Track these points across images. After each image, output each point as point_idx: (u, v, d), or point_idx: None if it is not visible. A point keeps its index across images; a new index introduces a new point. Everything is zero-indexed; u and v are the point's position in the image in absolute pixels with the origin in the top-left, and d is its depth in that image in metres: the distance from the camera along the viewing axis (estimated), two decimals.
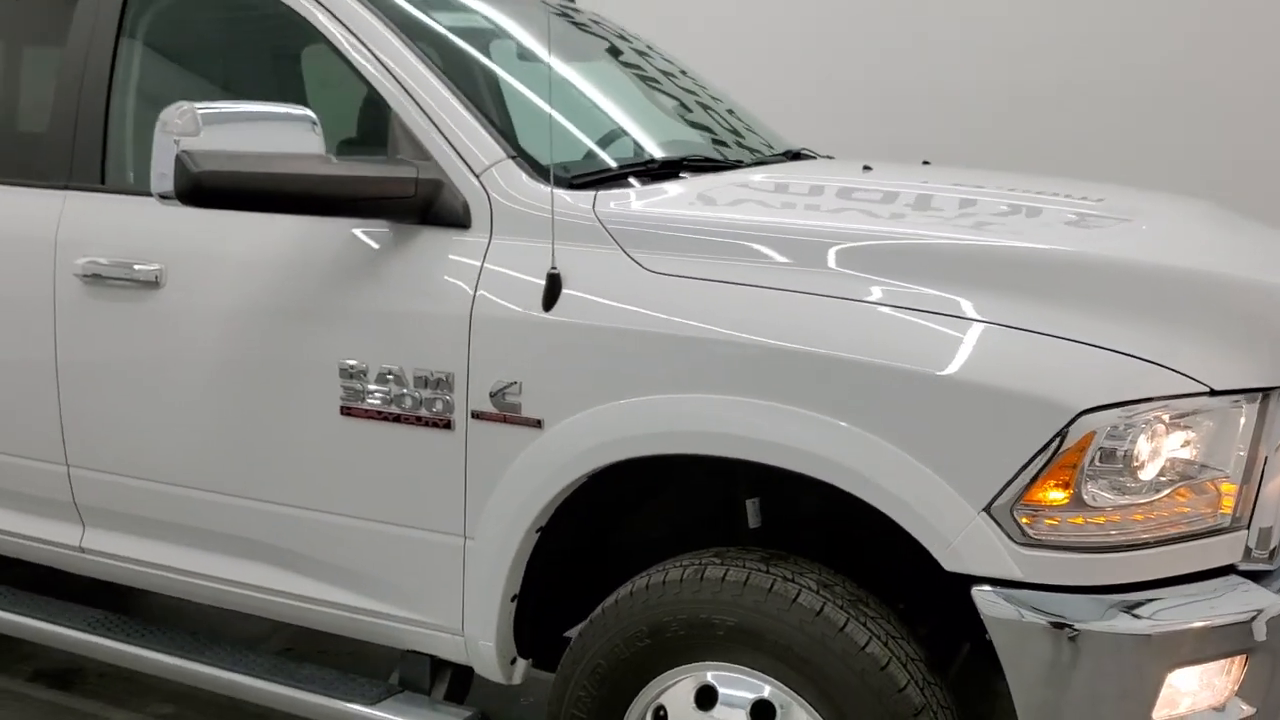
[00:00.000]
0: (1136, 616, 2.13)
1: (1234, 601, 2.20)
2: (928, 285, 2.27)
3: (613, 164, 2.82)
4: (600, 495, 2.55)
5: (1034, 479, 2.10)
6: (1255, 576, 2.25)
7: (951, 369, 2.15)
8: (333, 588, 2.84)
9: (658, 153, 3.05)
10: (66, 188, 3.07)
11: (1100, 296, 2.24)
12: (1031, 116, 5.38)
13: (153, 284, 2.87)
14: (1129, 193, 3.10)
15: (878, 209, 2.81)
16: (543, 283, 2.46)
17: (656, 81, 3.65)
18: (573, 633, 2.64)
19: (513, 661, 2.72)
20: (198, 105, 2.39)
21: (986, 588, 2.14)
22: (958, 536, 2.14)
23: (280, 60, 3.37)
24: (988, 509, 2.12)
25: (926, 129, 5.33)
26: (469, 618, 2.67)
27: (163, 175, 2.40)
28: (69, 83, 3.10)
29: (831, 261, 2.36)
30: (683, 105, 3.61)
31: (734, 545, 2.50)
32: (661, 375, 2.36)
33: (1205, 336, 2.23)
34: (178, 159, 2.36)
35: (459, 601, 2.67)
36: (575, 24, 3.65)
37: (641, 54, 3.76)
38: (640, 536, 2.79)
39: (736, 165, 3.16)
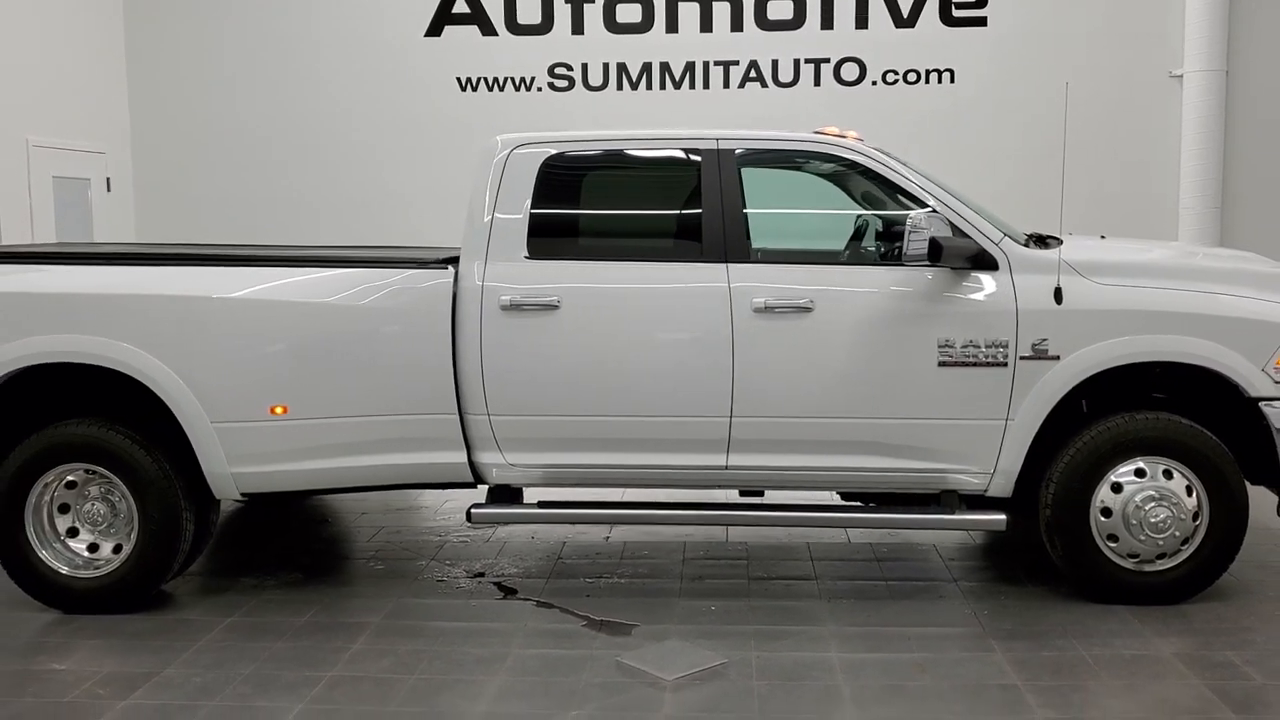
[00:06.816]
0: None
1: None
2: (1223, 285, 5.41)
3: (1026, 235, 5.70)
4: None
5: (1277, 357, 5.29)
6: None
7: (1247, 315, 5.31)
8: (909, 460, 5.44)
9: (1027, 230, 5.95)
10: (726, 261, 5.45)
11: (1273, 286, 5.51)
12: None
13: (809, 309, 5.36)
14: (1222, 249, 6.52)
15: (1169, 252, 6.11)
16: (1052, 292, 5.30)
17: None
18: None
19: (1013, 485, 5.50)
20: (930, 212, 5.06)
21: (1264, 403, 5.30)
22: (1254, 380, 5.29)
23: (837, 189, 5.90)
24: (1262, 369, 5.29)
25: None
26: (1001, 463, 5.41)
27: (914, 248, 5.04)
28: (714, 207, 5.48)
29: (1177, 275, 5.45)
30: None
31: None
32: (1115, 328, 5.30)
33: None
34: (931, 240, 5.03)
35: (995, 456, 5.41)
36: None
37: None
38: None
39: (1055, 238, 6.07)
